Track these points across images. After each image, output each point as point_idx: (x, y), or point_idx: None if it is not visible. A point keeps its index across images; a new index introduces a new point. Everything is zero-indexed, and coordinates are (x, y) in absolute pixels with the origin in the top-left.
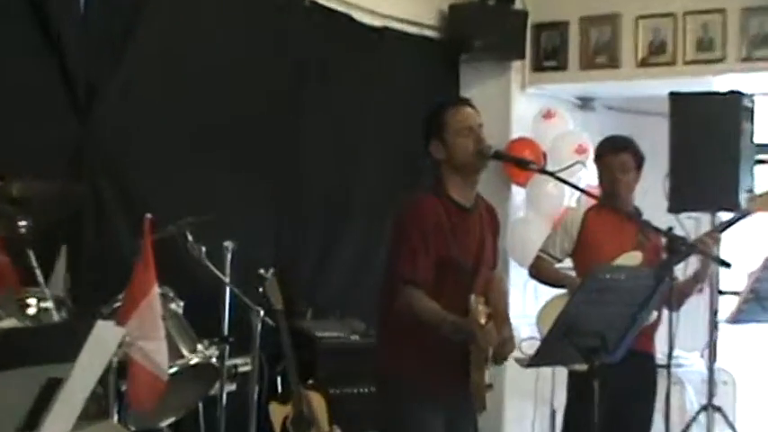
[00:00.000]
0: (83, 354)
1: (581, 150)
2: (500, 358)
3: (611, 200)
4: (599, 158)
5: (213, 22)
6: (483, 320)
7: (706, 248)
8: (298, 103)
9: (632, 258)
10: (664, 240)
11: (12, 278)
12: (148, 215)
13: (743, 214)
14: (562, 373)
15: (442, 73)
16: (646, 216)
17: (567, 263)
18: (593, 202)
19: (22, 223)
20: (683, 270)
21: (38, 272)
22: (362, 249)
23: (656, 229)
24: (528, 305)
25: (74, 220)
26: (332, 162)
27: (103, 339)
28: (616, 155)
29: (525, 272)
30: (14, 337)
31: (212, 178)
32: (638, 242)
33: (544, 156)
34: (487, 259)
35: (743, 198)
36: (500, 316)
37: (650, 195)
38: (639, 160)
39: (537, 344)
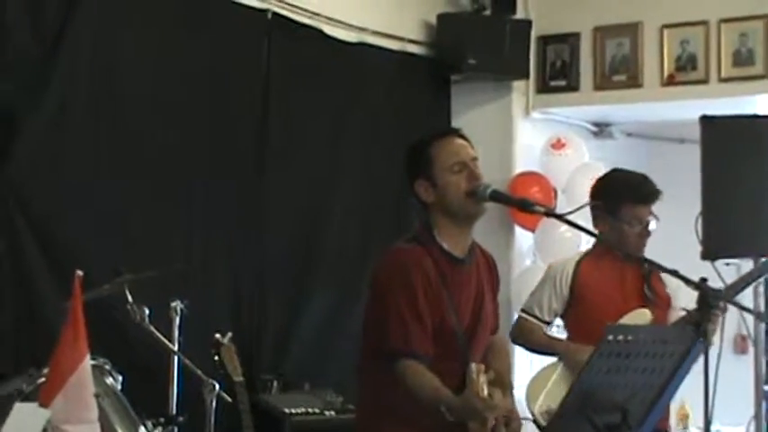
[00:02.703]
0: None
1: None
2: None
3: (618, 248)
4: (620, 202)
5: (159, 41)
6: (485, 392)
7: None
8: (259, 135)
9: (641, 317)
10: (693, 292)
11: None
12: (78, 272)
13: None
14: None
15: (429, 96)
16: (675, 265)
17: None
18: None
19: None
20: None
21: None
22: (336, 308)
23: (688, 281)
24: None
25: None
26: (300, 206)
27: (24, 424)
28: (651, 204)
29: None
30: None
31: (156, 227)
32: (646, 297)
33: (555, 193)
34: (486, 320)
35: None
36: (503, 387)
37: (680, 239)
38: None
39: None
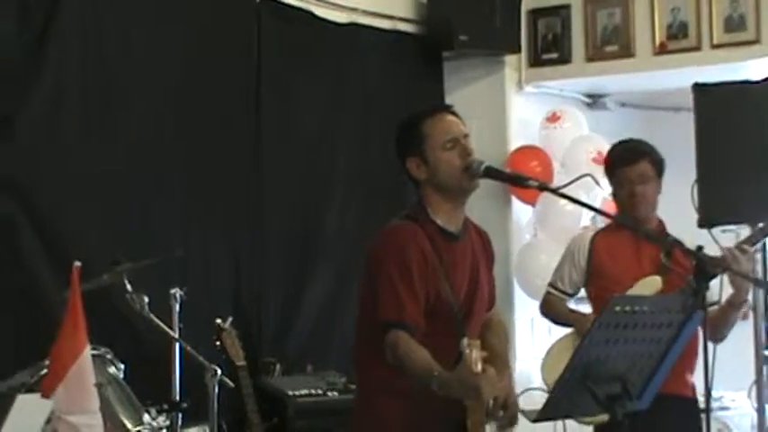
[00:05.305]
0: None
1: (601, 159)
2: (506, 421)
3: (627, 218)
4: (611, 170)
5: (148, 28)
6: (479, 368)
7: (734, 264)
8: (254, 121)
9: (651, 285)
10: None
11: None
12: (77, 262)
13: None
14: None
15: (422, 74)
16: (672, 233)
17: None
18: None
19: None
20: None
21: None
22: (336, 290)
23: (684, 249)
24: (539, 345)
25: None
26: (297, 189)
27: (27, 415)
28: (632, 165)
29: (533, 305)
30: None
31: (154, 215)
32: (662, 266)
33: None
34: (482, 297)
35: None
36: (501, 363)
37: (677, 207)
38: (660, 167)
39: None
